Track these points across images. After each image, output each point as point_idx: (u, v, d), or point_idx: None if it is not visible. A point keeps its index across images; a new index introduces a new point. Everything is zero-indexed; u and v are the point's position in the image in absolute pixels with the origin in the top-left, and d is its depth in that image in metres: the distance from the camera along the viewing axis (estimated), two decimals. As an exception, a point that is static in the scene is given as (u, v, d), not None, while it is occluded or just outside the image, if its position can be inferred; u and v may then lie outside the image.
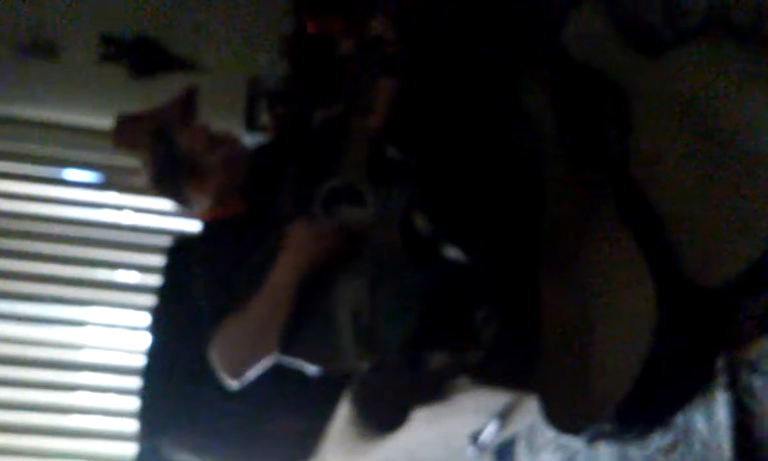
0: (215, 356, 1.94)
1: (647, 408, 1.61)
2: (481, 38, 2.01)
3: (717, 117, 1.48)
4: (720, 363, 1.54)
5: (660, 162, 1.58)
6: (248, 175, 2.13)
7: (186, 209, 2.18)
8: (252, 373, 1.95)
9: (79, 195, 3.09)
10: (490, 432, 2.33)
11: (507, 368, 2.05)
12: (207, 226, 2.18)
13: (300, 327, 1.92)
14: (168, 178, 2.09)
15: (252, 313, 1.91)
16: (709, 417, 1.58)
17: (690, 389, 1.59)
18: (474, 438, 2.38)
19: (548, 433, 2.28)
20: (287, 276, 1.90)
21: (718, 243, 1.47)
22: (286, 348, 1.93)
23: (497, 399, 2.17)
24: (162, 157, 2.07)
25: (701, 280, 1.50)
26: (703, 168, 1.49)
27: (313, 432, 2.27)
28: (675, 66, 1.56)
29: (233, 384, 1.96)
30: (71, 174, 3.08)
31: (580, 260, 1.74)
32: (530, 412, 2.22)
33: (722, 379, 1.54)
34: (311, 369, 1.96)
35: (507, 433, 2.40)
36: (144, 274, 3.06)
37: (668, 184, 1.56)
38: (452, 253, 1.91)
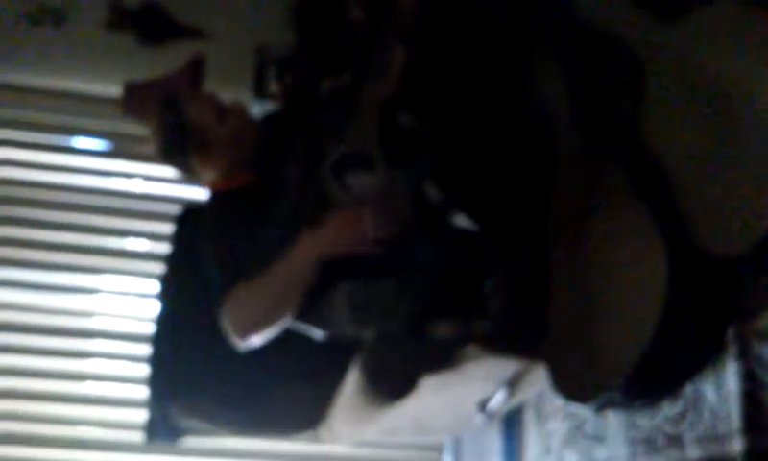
0: (226, 319, 1.95)
1: (656, 378, 1.62)
2: (492, 7, 2.00)
3: (730, 88, 1.46)
4: (731, 333, 1.54)
5: (671, 132, 1.57)
6: (256, 147, 2.12)
7: (194, 180, 2.18)
8: (263, 338, 1.96)
9: (88, 163, 3.07)
10: (498, 400, 2.34)
11: (516, 337, 2.06)
12: (215, 196, 2.18)
13: (314, 301, 1.93)
14: (176, 148, 2.08)
15: (271, 282, 1.92)
16: (719, 387, 1.58)
17: (700, 359, 1.60)
18: (482, 406, 2.39)
19: (556, 402, 2.30)
20: (312, 257, 1.91)
21: (730, 215, 1.46)
22: (299, 316, 1.94)
23: (506, 367, 2.18)
24: (171, 126, 2.07)
25: (713, 251, 1.49)
26: (715, 139, 1.49)
27: (322, 400, 2.28)
28: (687, 33, 1.55)
29: (242, 347, 1.97)
30: (80, 142, 3.08)
31: (590, 230, 1.73)
32: (538, 381, 2.23)
33: (733, 349, 1.54)
34: (318, 333, 1.97)
35: (515, 401, 2.41)
36: (154, 241, 3.06)
37: (680, 155, 1.55)
38: (462, 222, 1.91)
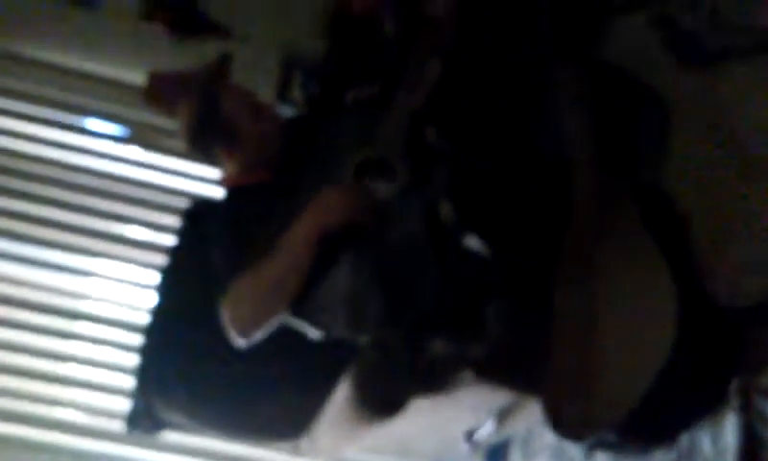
0: (226, 312, 1.93)
1: (654, 423, 1.62)
2: (522, 35, 2.02)
3: (753, 140, 1.48)
4: (734, 386, 1.55)
5: (694, 178, 1.58)
6: (279, 147, 2.13)
7: (213, 167, 2.18)
8: (262, 332, 1.93)
9: (101, 146, 3.07)
10: (485, 431, 2.34)
11: (512, 368, 2.05)
12: (231, 190, 2.18)
13: (310, 291, 1.91)
14: (204, 136, 2.09)
15: (268, 269, 1.89)
16: (716, 440, 1.58)
17: (701, 409, 1.59)
18: (469, 435, 2.38)
19: (545, 439, 2.30)
20: (307, 236, 1.89)
21: (744, 267, 1.47)
22: (295, 309, 1.92)
23: (498, 397, 2.17)
24: (204, 114, 2.07)
25: (723, 302, 1.50)
26: (737, 188, 1.50)
27: (308, 410, 2.27)
28: (719, 82, 1.56)
29: (241, 342, 1.95)
30: (95, 124, 3.08)
31: (600, 266, 1.74)
32: (529, 416, 2.22)
33: (734, 403, 1.54)
34: (314, 333, 1.95)
35: (503, 434, 2.41)
36: (156, 232, 3.06)
37: (698, 199, 1.56)
38: (473, 244, 1.91)
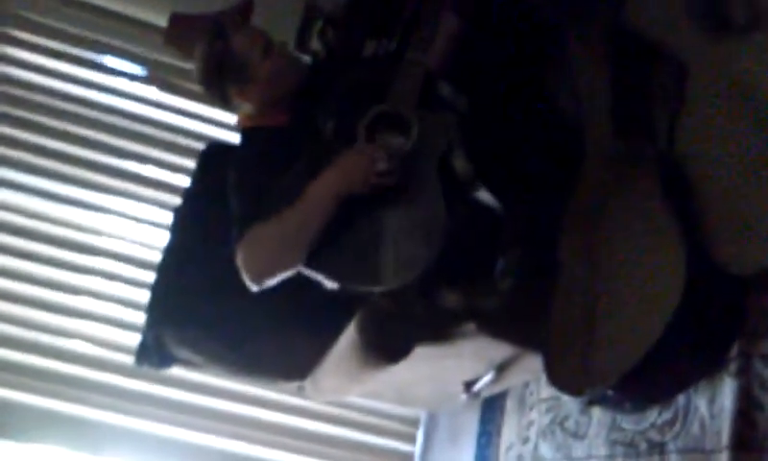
0: (241, 256, 1.97)
1: (653, 381, 1.66)
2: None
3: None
4: (734, 351, 1.57)
5: (707, 143, 1.60)
6: (295, 90, 2.16)
7: (229, 109, 2.21)
8: (275, 279, 1.97)
9: (121, 85, 3.11)
10: (485, 382, 2.39)
11: (515, 321, 2.10)
12: (247, 133, 2.22)
13: (328, 242, 1.94)
14: (215, 74, 2.12)
15: (287, 220, 1.93)
16: (713, 401, 1.60)
17: (699, 371, 1.63)
18: (468, 385, 2.43)
19: (542, 393, 2.34)
20: (329, 191, 1.93)
21: (755, 232, 1.49)
22: (311, 260, 1.96)
23: (499, 350, 2.22)
24: (214, 52, 2.10)
25: (729, 267, 1.53)
26: (751, 156, 1.51)
27: (314, 351, 2.32)
28: (740, 51, 1.56)
29: (254, 287, 1.99)
30: (116, 62, 3.10)
31: (610, 225, 1.77)
32: (528, 370, 2.27)
33: (733, 366, 1.57)
34: (330, 284, 2.00)
35: (501, 386, 2.46)
36: (172, 173, 3.10)
37: (713, 168, 1.58)
38: (485, 198, 1.94)
